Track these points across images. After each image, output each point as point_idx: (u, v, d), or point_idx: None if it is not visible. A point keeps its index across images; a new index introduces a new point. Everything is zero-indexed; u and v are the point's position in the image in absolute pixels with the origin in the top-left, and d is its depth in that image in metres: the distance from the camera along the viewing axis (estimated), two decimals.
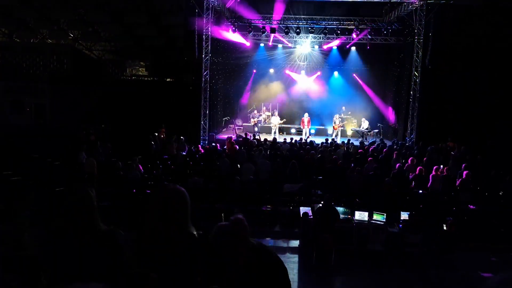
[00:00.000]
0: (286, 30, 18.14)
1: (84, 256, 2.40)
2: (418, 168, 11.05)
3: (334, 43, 19.62)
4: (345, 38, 18.93)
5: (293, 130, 20.07)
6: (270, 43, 20.03)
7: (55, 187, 9.49)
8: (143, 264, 2.34)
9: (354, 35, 17.91)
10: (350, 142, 15.34)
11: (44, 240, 2.47)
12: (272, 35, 18.66)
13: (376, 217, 8.60)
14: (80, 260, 2.39)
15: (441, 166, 11.03)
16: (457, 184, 10.38)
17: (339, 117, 18.80)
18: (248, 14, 17.97)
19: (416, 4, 15.56)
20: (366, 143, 16.33)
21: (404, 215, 8.60)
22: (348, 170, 11.09)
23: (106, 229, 2.55)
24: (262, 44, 20.34)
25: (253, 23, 18.20)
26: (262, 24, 18.13)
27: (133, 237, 2.42)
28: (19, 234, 2.70)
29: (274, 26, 18.11)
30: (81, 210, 2.45)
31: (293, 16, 18.39)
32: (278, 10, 17.97)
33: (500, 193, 10.10)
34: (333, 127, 18.54)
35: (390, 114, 19.51)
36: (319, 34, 18.79)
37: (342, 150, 13.73)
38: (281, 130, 19.59)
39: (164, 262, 2.30)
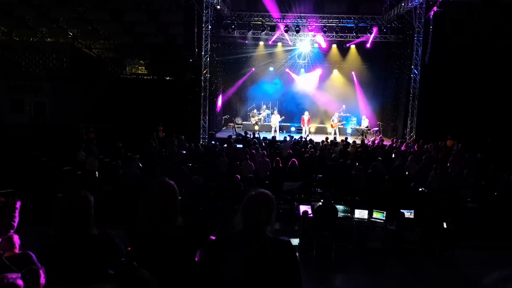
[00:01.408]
0: (285, 29, 18.13)
1: (81, 259, 2.40)
2: (417, 167, 11.07)
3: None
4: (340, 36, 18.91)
5: (293, 129, 20.08)
6: (270, 42, 20.03)
7: (55, 186, 9.49)
8: (139, 260, 2.36)
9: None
10: (347, 140, 15.34)
11: (43, 241, 2.48)
12: (277, 33, 18.63)
13: (376, 215, 8.62)
14: (77, 262, 2.39)
15: (438, 165, 11.03)
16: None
17: (338, 116, 18.80)
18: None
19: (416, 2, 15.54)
20: (366, 141, 16.33)
21: (406, 214, 8.61)
22: (351, 168, 11.06)
23: (100, 232, 2.55)
24: (261, 43, 20.32)
25: (252, 22, 18.20)
26: (262, 22, 18.12)
27: (126, 234, 2.44)
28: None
29: (273, 24, 18.13)
30: (78, 214, 2.45)
31: (292, 14, 18.38)
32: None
33: (496, 192, 10.10)
34: (331, 125, 18.54)
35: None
36: (319, 33, 18.78)
37: (339, 148, 13.73)
38: (281, 129, 19.60)
39: (157, 256, 2.32)
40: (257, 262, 2.23)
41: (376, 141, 15.47)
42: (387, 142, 15.49)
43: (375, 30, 17.84)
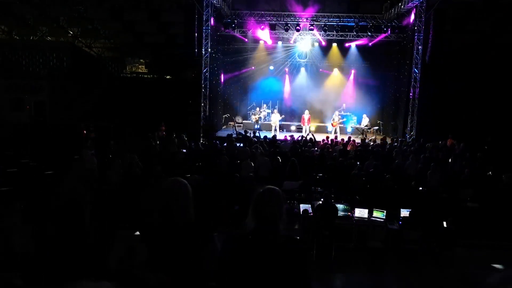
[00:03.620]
0: (286, 27, 18.13)
1: (78, 254, 2.41)
2: (417, 166, 11.06)
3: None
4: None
5: (293, 128, 20.06)
6: (270, 42, 20.03)
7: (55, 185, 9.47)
8: (151, 261, 2.37)
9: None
10: (350, 139, 15.31)
11: (39, 239, 2.49)
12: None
13: (376, 214, 8.62)
14: (75, 257, 2.40)
15: (438, 164, 11.01)
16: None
17: (339, 114, 18.79)
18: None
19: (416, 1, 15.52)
20: (366, 140, 16.32)
21: (404, 212, 8.62)
22: (351, 168, 11.05)
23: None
24: (262, 41, 20.30)
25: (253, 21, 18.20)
26: (262, 20, 18.12)
27: (136, 235, 2.46)
28: (8, 233, 2.71)
29: (273, 22, 18.13)
30: (73, 209, 2.47)
31: (292, 13, 18.37)
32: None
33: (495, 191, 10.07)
34: (332, 124, 18.54)
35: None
36: (320, 31, 18.79)
37: (339, 147, 13.73)
38: (281, 128, 19.59)
39: (170, 255, 2.33)
40: (268, 262, 2.23)
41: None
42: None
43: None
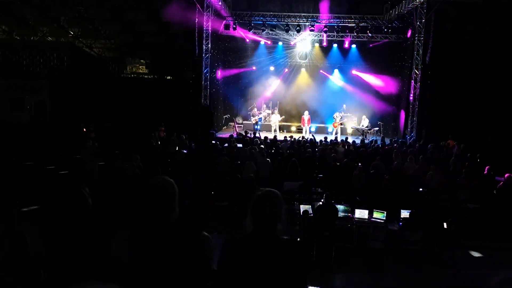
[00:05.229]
0: (286, 28, 18.13)
1: (80, 255, 2.40)
2: (417, 166, 11.07)
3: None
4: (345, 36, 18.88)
5: (293, 128, 20.05)
6: (270, 42, 20.03)
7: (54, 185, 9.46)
8: (141, 259, 2.37)
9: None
10: (349, 140, 15.31)
11: (41, 238, 2.48)
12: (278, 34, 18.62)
13: (376, 215, 8.62)
14: (77, 258, 2.39)
15: (437, 165, 11.01)
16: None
17: (340, 115, 18.80)
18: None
19: (417, 1, 15.51)
20: (366, 141, 16.32)
21: (404, 213, 8.61)
22: (354, 168, 11.05)
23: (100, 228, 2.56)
24: (262, 42, 20.31)
25: (253, 21, 18.19)
26: (262, 21, 18.12)
27: (129, 234, 2.46)
28: (20, 233, 2.71)
29: (273, 23, 18.14)
30: (74, 209, 2.46)
31: (292, 14, 18.37)
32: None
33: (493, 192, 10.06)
34: (333, 124, 18.55)
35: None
36: (319, 32, 18.80)
37: (341, 148, 13.72)
38: (281, 128, 19.59)
39: (159, 253, 2.33)
40: (267, 263, 2.24)
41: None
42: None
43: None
